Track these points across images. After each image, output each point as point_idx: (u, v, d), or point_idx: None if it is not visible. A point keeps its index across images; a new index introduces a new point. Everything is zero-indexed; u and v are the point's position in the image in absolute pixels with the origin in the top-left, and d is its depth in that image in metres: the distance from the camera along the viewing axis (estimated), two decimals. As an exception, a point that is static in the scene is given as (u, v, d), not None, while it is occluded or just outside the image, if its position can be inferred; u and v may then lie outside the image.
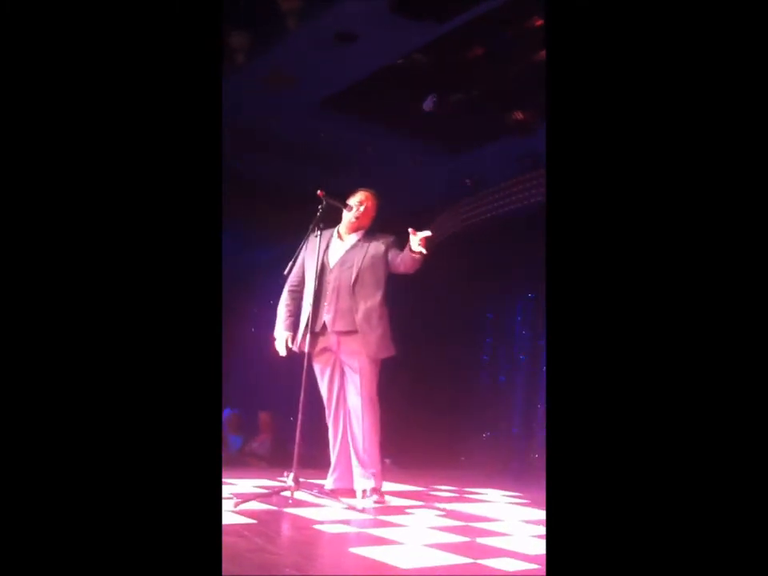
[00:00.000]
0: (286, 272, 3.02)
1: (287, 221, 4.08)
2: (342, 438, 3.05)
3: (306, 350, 2.95)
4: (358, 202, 3.12)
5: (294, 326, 3.09)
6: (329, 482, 3.04)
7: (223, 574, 1.47)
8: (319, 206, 2.99)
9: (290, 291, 3.17)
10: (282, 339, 3.08)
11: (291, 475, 2.70)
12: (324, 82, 4.43)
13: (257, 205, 5.56)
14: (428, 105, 4.56)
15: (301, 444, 2.78)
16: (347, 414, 3.03)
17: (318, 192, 2.96)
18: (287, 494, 2.69)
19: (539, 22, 3.82)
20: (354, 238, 3.14)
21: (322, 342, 3.03)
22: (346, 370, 3.04)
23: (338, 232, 3.16)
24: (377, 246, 3.08)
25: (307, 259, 3.14)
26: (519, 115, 4.66)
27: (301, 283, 3.14)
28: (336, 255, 3.10)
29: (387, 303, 3.08)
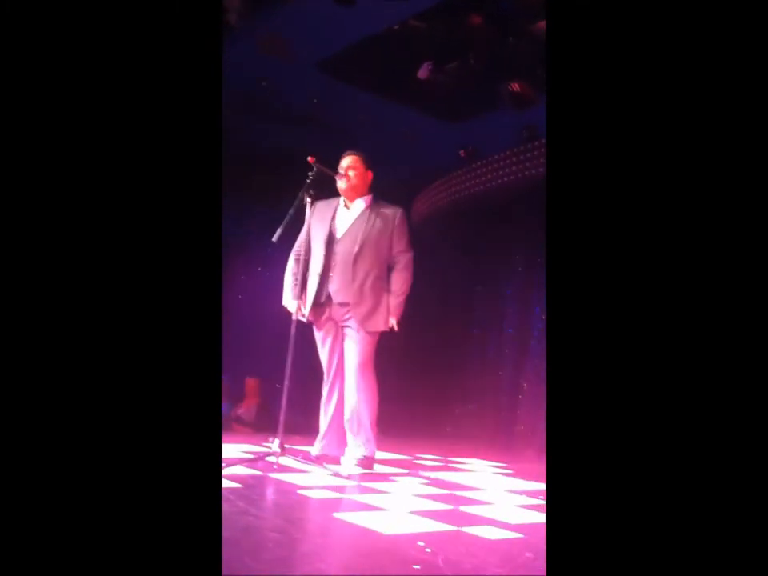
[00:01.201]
0: (274, 238, 2.91)
1: (278, 186, 4.03)
2: (336, 406, 3.05)
3: (307, 318, 3.01)
4: (345, 167, 3.08)
5: (300, 295, 3.06)
6: (315, 448, 3.06)
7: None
8: (309, 173, 2.95)
9: (296, 259, 3.14)
10: (293, 308, 3.04)
11: (277, 441, 2.72)
12: (319, 45, 4.35)
13: (247, 169, 5.49)
14: (423, 72, 4.49)
15: (287, 410, 2.79)
16: (342, 383, 3.05)
17: (309, 158, 2.93)
18: (272, 459, 2.70)
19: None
20: (360, 205, 3.10)
21: (325, 312, 3.05)
22: (346, 340, 3.05)
23: (344, 200, 3.13)
24: (384, 222, 3.06)
25: (313, 227, 3.12)
26: (516, 87, 4.60)
27: (307, 252, 3.10)
28: (343, 225, 3.08)
29: (384, 278, 3.07)
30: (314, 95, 5.00)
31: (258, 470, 2.64)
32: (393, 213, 3.09)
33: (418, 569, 1.36)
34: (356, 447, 2.96)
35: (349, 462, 2.93)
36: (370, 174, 3.14)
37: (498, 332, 6.01)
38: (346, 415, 3.00)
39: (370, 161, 3.17)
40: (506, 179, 5.25)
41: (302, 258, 3.07)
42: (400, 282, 3.06)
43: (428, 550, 1.53)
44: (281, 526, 1.68)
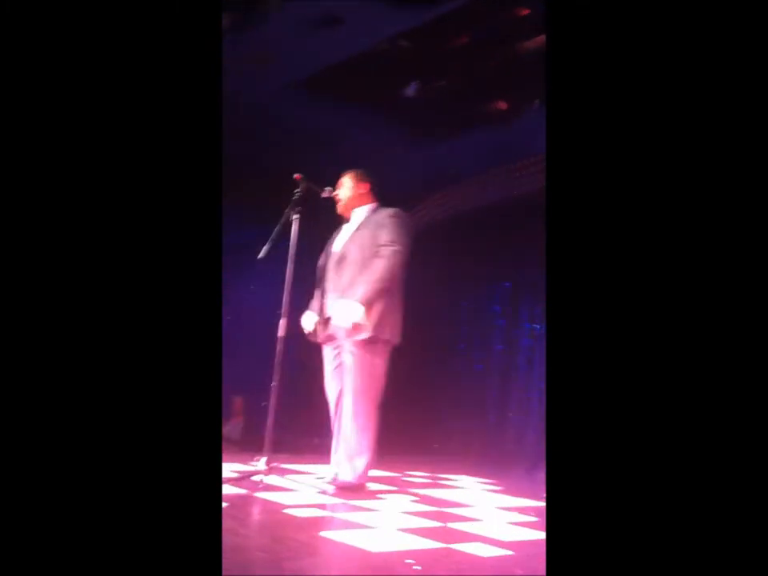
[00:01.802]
0: (260, 255, 2.89)
1: (264, 202, 4.02)
2: (337, 425, 2.92)
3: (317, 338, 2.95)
4: (335, 191, 3.03)
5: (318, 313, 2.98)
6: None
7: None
8: (296, 190, 2.93)
9: (317, 275, 3.07)
10: (303, 324, 2.99)
11: (263, 459, 2.68)
12: (306, 62, 4.37)
13: (235, 185, 5.48)
14: (411, 91, 4.53)
15: (273, 429, 2.75)
16: (340, 400, 2.91)
17: (295, 175, 2.91)
18: (258, 478, 2.66)
19: (525, 12, 3.81)
20: (360, 215, 2.99)
21: (329, 329, 2.89)
22: (343, 356, 2.87)
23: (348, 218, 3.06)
24: (375, 225, 2.87)
25: (329, 243, 3.09)
26: (502, 105, 4.65)
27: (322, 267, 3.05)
28: (341, 240, 2.98)
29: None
30: (301, 112, 5.02)
31: (243, 488, 2.60)
32: (385, 213, 2.90)
33: (406, 587, 1.34)
34: (345, 470, 2.77)
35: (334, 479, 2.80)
36: (364, 186, 3.03)
37: (486, 348, 6.01)
38: (339, 434, 2.86)
39: (364, 174, 3.08)
40: (492, 197, 5.28)
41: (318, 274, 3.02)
42: (373, 268, 2.74)
43: (417, 567, 1.50)
44: (267, 545, 1.65)
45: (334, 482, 2.76)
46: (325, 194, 3.03)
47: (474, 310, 6.21)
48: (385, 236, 2.80)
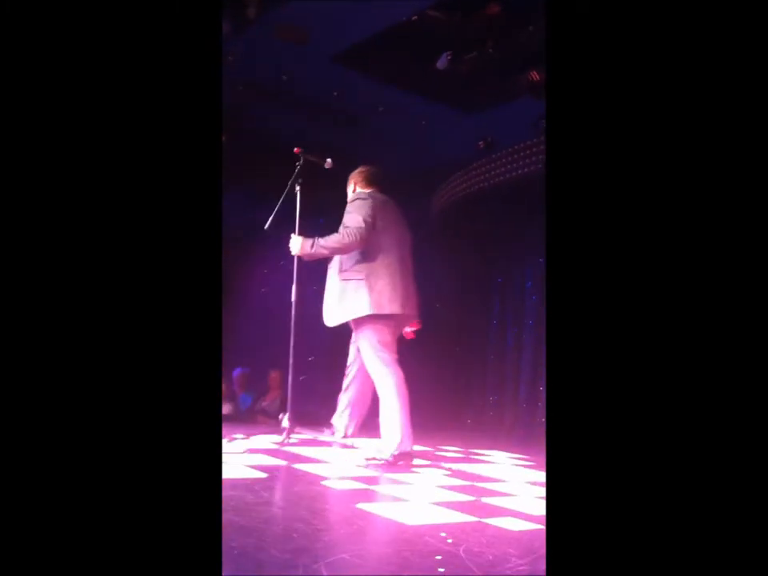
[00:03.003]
0: (266, 227, 3.20)
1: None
2: (350, 394, 3.24)
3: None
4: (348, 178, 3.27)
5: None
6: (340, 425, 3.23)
7: (230, 525, 1.50)
8: (296, 163, 3.20)
9: None
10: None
11: (286, 416, 3.08)
12: (337, 36, 4.35)
13: (265, 161, 5.52)
14: (442, 63, 4.47)
15: (292, 398, 3.21)
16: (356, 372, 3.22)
17: (295, 149, 3.18)
18: (282, 436, 3.08)
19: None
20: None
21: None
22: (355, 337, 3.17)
23: None
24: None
25: None
26: (534, 76, 4.56)
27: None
28: None
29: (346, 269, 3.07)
30: (333, 87, 5.00)
31: (282, 460, 2.67)
32: (350, 198, 3.17)
33: (439, 559, 1.38)
34: (382, 442, 2.89)
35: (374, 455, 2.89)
36: (351, 184, 3.29)
37: (518, 323, 5.99)
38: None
39: (352, 175, 3.32)
40: (525, 170, 5.21)
41: None
42: (325, 239, 3.00)
43: (450, 540, 1.54)
44: (304, 516, 1.70)
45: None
46: (327, 165, 3.26)
47: (507, 285, 6.19)
48: (346, 218, 3.02)
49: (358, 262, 2.99)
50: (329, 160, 3.22)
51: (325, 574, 1.21)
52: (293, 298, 3.22)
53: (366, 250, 2.97)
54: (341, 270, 3.03)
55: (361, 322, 2.96)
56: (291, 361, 3.22)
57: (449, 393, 5.99)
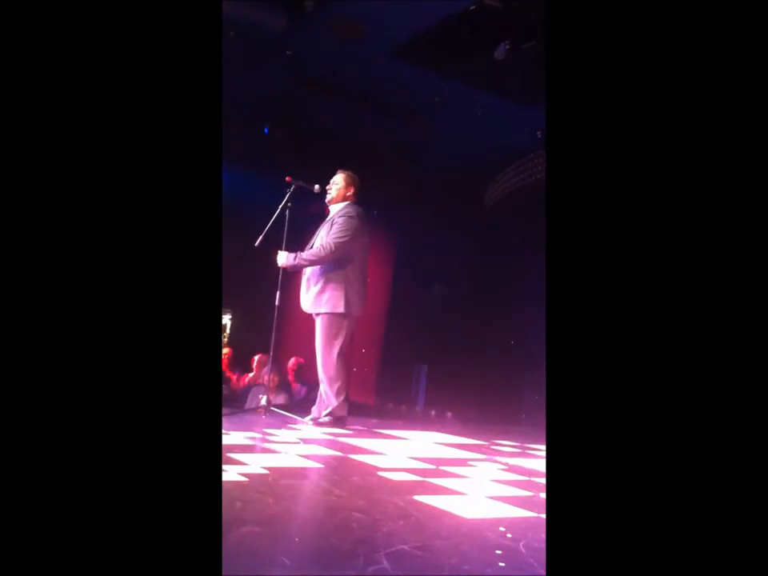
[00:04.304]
0: (256, 244, 3.84)
1: (354, 172, 4.07)
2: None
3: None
4: (331, 181, 3.90)
5: None
6: (313, 411, 3.92)
7: (289, 514, 1.53)
8: (287, 190, 3.84)
9: None
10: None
11: (264, 397, 4.01)
12: (393, 29, 4.33)
13: (327, 155, 5.56)
14: (500, 53, 4.40)
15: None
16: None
17: (287, 178, 3.85)
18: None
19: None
20: (335, 209, 3.91)
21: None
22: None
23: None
24: (330, 221, 3.82)
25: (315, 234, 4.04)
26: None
27: None
28: (317, 232, 3.93)
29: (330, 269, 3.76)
30: (388, 80, 5.00)
31: (338, 450, 2.70)
32: (340, 211, 3.82)
33: (499, 554, 1.36)
34: (324, 408, 3.82)
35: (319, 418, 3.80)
36: (350, 188, 3.91)
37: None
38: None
39: (352, 177, 3.92)
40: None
41: None
42: (309, 253, 3.78)
43: (509, 535, 1.52)
44: (363, 506, 1.71)
45: (314, 420, 3.80)
46: (316, 190, 3.91)
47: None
48: (332, 232, 3.77)
49: (337, 268, 3.77)
50: (317, 186, 3.90)
51: (386, 564, 1.21)
52: (277, 303, 3.93)
53: (340, 259, 3.74)
54: (323, 271, 3.78)
55: (333, 316, 3.76)
56: (271, 354, 4.12)
57: (502, 388, 5.93)
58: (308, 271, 3.85)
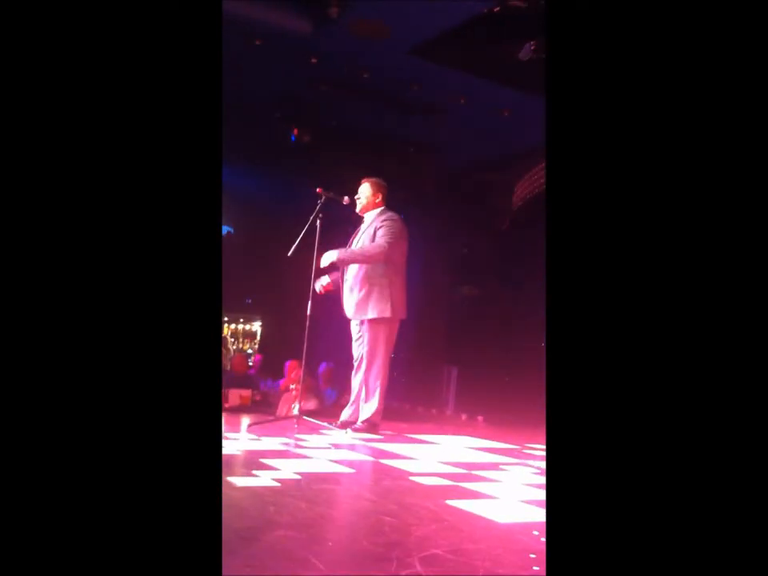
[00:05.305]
0: (289, 254, 3.78)
1: (380, 174, 4.08)
2: (358, 382, 3.86)
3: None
4: (356, 195, 3.89)
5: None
6: (344, 415, 3.85)
7: (323, 518, 1.53)
8: (318, 201, 3.76)
9: None
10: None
11: (297, 405, 3.82)
12: (418, 29, 4.34)
13: (348, 156, 5.58)
14: (525, 53, 4.37)
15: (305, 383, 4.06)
16: (359, 364, 3.87)
17: (318, 189, 3.80)
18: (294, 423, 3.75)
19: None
20: (371, 216, 3.89)
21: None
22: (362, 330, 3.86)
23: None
24: (373, 225, 3.81)
25: (350, 240, 3.96)
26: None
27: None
28: (357, 237, 3.92)
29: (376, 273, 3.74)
30: (414, 80, 5.00)
31: (369, 455, 2.70)
32: (384, 216, 3.82)
33: (533, 558, 1.35)
34: (364, 412, 3.73)
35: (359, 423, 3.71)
36: (377, 195, 3.90)
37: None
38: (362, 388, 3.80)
39: (380, 183, 3.92)
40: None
41: None
42: (362, 248, 3.76)
43: (543, 539, 1.51)
44: (395, 510, 1.71)
45: (343, 425, 3.72)
46: (345, 202, 3.87)
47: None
48: (380, 234, 3.78)
49: (381, 271, 3.75)
50: (346, 198, 3.85)
51: (419, 568, 1.21)
52: (308, 312, 3.84)
53: (386, 262, 3.74)
54: (367, 276, 3.74)
55: (380, 321, 3.74)
56: (303, 360, 3.92)
57: (534, 392, 5.87)
58: (350, 278, 3.81)
